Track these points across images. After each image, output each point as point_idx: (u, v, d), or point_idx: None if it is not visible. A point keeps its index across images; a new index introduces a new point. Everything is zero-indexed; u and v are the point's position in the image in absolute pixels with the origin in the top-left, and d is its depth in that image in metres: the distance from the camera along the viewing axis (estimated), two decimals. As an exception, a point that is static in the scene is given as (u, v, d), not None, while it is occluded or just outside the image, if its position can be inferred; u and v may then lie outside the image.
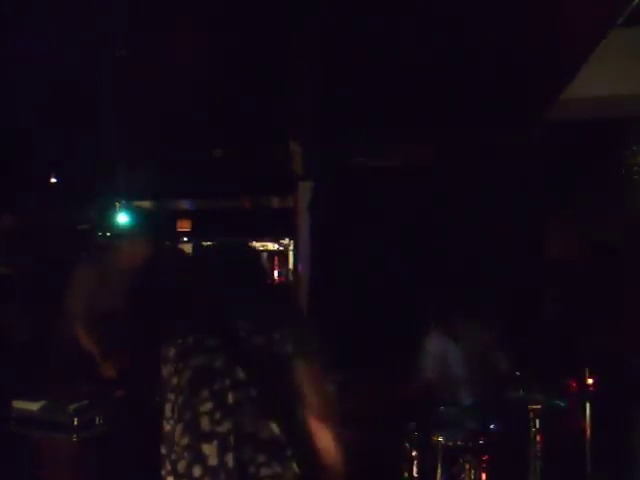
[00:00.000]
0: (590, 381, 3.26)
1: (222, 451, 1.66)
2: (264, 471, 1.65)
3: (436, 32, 3.14)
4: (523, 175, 4.62)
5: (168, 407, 1.83)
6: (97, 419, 3.21)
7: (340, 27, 3.12)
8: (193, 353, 1.81)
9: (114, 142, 5.29)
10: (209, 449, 1.68)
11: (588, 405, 3.24)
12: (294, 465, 1.69)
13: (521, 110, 4.24)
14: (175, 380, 1.82)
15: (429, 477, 3.11)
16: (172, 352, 1.87)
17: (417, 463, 3.14)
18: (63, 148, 5.40)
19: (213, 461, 1.67)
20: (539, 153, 4.62)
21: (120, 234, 4.32)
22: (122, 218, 8.12)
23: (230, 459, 1.65)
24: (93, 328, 3.69)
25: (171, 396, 1.82)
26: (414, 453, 3.15)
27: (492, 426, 3.16)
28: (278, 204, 8.96)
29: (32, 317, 4.68)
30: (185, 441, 1.72)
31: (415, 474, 3.14)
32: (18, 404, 3.21)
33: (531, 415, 3.15)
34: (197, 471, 1.68)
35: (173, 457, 1.75)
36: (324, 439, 1.75)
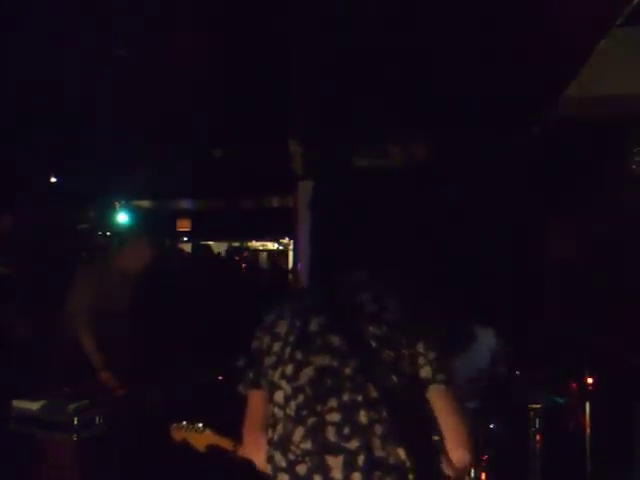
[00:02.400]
0: (590, 381, 3.26)
1: (348, 468, 1.60)
2: None
3: (436, 32, 3.14)
4: (523, 175, 4.62)
5: (279, 394, 1.70)
6: (97, 419, 3.21)
7: (340, 27, 3.12)
8: (315, 347, 1.68)
9: (114, 142, 5.30)
10: (334, 462, 1.61)
11: (588, 405, 3.24)
12: None
13: (521, 110, 4.24)
14: (290, 370, 1.69)
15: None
16: (283, 328, 1.75)
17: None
18: (63, 148, 5.40)
19: (337, 475, 1.61)
20: (539, 153, 4.62)
21: (120, 234, 4.32)
22: (122, 218, 8.14)
23: (357, 478, 1.59)
24: (94, 329, 3.68)
25: (283, 384, 1.70)
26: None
27: (492, 426, 3.16)
28: (278, 204, 8.97)
29: (32, 317, 4.68)
30: (307, 446, 1.64)
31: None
32: (18, 404, 3.21)
33: (531, 415, 3.15)
34: (318, 479, 1.62)
35: (291, 457, 1.66)
36: (461, 461, 1.68)
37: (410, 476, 1.61)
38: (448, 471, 1.68)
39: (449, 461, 1.67)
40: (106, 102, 4.28)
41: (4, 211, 5.34)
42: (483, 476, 3.06)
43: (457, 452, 1.66)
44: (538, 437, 3.14)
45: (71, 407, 3.13)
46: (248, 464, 1.88)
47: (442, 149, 4.87)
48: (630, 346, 3.75)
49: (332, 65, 3.63)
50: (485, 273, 4.47)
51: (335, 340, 1.68)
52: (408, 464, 1.61)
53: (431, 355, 1.65)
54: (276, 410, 1.71)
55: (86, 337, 3.65)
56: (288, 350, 1.71)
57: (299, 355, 1.69)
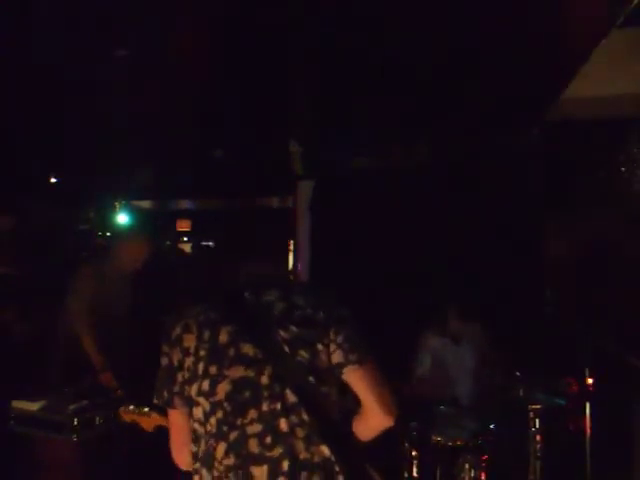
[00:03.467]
0: (590, 381, 3.26)
1: (273, 475, 1.62)
2: None
3: (436, 33, 3.14)
4: (523, 175, 4.62)
5: (198, 410, 1.69)
6: (97, 419, 3.21)
7: (340, 27, 3.12)
8: (229, 360, 1.67)
9: (114, 142, 5.29)
10: (259, 472, 1.63)
11: (588, 405, 3.24)
12: (341, 477, 1.67)
13: (521, 110, 4.24)
14: (206, 385, 1.68)
15: (429, 477, 3.11)
16: (192, 342, 1.71)
17: (417, 463, 3.15)
18: (63, 148, 5.40)
19: None
20: (539, 153, 4.62)
21: (120, 235, 4.31)
22: (122, 218, 8.14)
23: None
24: (94, 330, 3.68)
25: (201, 400, 1.69)
26: (414, 453, 3.15)
27: (492, 426, 3.17)
28: (278, 204, 8.96)
29: (32, 317, 4.67)
30: (230, 461, 1.64)
31: (415, 474, 3.15)
32: (18, 404, 3.21)
33: (531, 415, 3.15)
34: None
35: (215, 474, 1.66)
36: (382, 423, 1.75)
37: (336, 468, 1.65)
38: (368, 435, 1.77)
39: (371, 427, 1.76)
40: (106, 102, 4.28)
41: (4, 211, 5.34)
42: (483, 476, 3.06)
43: (383, 420, 1.73)
44: (538, 438, 3.14)
45: (71, 407, 3.13)
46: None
47: (442, 149, 4.87)
48: (630, 346, 3.74)
49: (332, 65, 3.62)
50: (485, 273, 4.47)
51: (248, 349, 1.67)
52: (333, 458, 1.65)
53: (340, 339, 1.69)
54: (197, 426, 1.71)
55: (85, 338, 3.65)
56: (201, 365, 1.69)
57: (213, 369, 1.67)
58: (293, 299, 1.72)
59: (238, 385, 1.66)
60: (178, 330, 1.75)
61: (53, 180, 6.70)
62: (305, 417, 1.64)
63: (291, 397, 1.65)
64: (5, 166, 5.29)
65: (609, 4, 2.81)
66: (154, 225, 8.75)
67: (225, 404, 1.66)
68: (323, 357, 1.67)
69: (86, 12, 2.96)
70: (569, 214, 4.57)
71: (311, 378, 1.66)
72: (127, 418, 2.26)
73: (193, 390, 1.71)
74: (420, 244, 4.75)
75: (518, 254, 4.57)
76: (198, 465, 1.71)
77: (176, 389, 1.74)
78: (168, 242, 8.76)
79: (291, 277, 5.11)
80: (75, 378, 3.54)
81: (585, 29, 3.04)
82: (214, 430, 1.67)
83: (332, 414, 1.69)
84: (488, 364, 3.70)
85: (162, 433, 2.08)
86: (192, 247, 8.93)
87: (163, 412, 1.99)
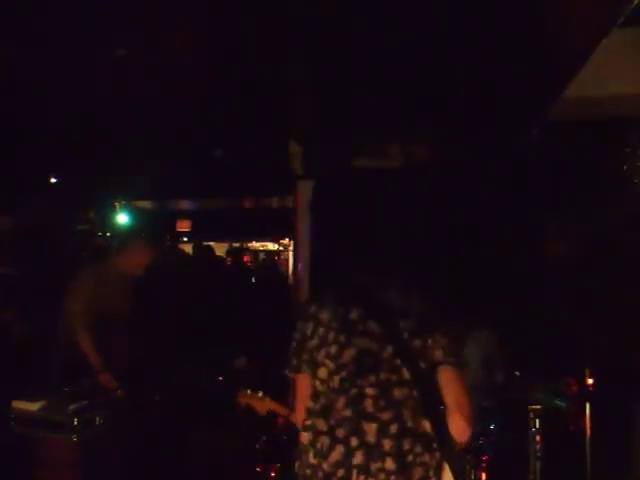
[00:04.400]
0: (590, 381, 3.26)
1: (381, 434, 1.88)
2: (419, 459, 1.90)
3: (436, 32, 3.14)
4: (523, 175, 4.62)
5: (322, 370, 1.99)
6: (97, 419, 3.21)
7: (340, 27, 3.12)
8: (358, 332, 1.97)
9: (114, 142, 5.29)
10: (369, 428, 1.90)
11: (588, 405, 3.24)
12: (438, 454, 1.93)
13: (521, 110, 4.24)
14: (334, 350, 1.97)
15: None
16: (326, 316, 2.02)
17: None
18: (63, 148, 5.40)
19: (371, 438, 1.89)
20: (539, 153, 4.62)
21: (122, 239, 4.31)
22: (122, 218, 8.14)
23: (388, 444, 1.88)
24: (93, 332, 3.68)
25: (327, 362, 1.98)
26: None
27: (492, 426, 3.16)
28: (278, 204, 8.97)
29: (32, 317, 4.68)
30: (347, 413, 1.92)
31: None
32: (18, 404, 3.21)
33: (531, 415, 3.15)
34: (354, 442, 1.89)
35: (332, 422, 1.94)
36: (463, 432, 1.93)
37: (434, 444, 1.92)
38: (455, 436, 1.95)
39: (451, 431, 1.94)
40: (106, 102, 4.28)
41: (4, 211, 5.34)
42: (483, 476, 3.06)
43: (459, 424, 1.92)
44: (538, 438, 3.14)
45: (71, 407, 3.13)
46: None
47: (442, 150, 4.87)
48: (630, 347, 3.75)
49: (332, 65, 3.63)
50: (485, 273, 4.47)
51: (374, 327, 1.97)
52: (433, 435, 1.92)
53: (443, 341, 1.96)
54: (318, 384, 2.02)
55: (84, 339, 3.65)
56: (332, 334, 2.01)
57: (342, 338, 1.99)
58: (411, 300, 2.05)
59: (363, 352, 1.96)
60: (313, 308, 2.10)
61: (53, 180, 6.70)
62: (415, 393, 1.92)
63: (406, 373, 1.93)
64: (5, 166, 5.29)
65: (609, 4, 2.81)
66: (154, 226, 8.76)
67: (350, 366, 1.96)
68: (430, 351, 1.95)
69: (86, 11, 2.96)
70: (569, 214, 4.57)
71: (422, 364, 1.94)
72: (243, 401, 2.49)
73: (321, 354, 2.01)
74: (420, 244, 4.74)
75: (518, 254, 4.57)
76: (312, 420, 2.00)
77: (305, 357, 2.06)
78: (168, 242, 8.77)
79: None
80: (75, 378, 3.54)
81: (585, 29, 3.04)
82: (336, 386, 1.97)
83: (436, 399, 1.94)
84: (492, 365, 3.68)
85: (162, 433, 2.10)
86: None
87: (274, 399, 2.42)
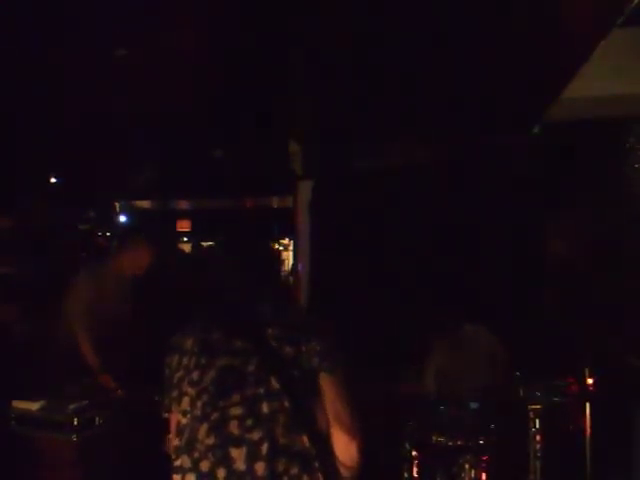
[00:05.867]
0: (590, 381, 3.26)
1: (251, 458, 1.67)
2: None
3: (436, 33, 3.14)
4: (523, 175, 4.62)
5: (185, 400, 1.79)
6: (97, 419, 3.21)
7: (340, 28, 3.12)
8: (219, 351, 1.79)
9: (114, 142, 5.30)
10: (237, 453, 1.68)
11: (588, 405, 3.24)
12: (320, 476, 1.72)
13: (521, 110, 4.24)
14: (196, 375, 1.79)
15: (429, 477, 3.11)
16: (189, 343, 1.84)
17: (417, 463, 3.14)
18: (63, 148, 5.41)
19: (240, 466, 1.67)
20: (539, 153, 4.62)
21: (122, 240, 4.29)
22: (122, 218, 8.15)
23: (261, 468, 1.66)
24: (92, 332, 3.67)
25: (189, 390, 1.79)
26: (414, 453, 3.15)
27: (492, 426, 3.16)
28: (278, 204, 8.98)
29: (32, 317, 4.68)
30: (211, 441, 1.71)
31: (415, 474, 3.15)
32: (18, 404, 3.21)
33: (531, 415, 3.15)
34: (221, 473, 1.68)
35: (195, 455, 1.73)
36: (346, 449, 1.76)
37: (315, 463, 1.71)
38: (341, 455, 1.77)
39: (335, 447, 1.76)
40: (106, 102, 4.28)
41: (4, 211, 5.34)
42: (483, 476, 3.06)
43: (340, 437, 1.75)
44: (538, 437, 3.14)
45: (71, 407, 3.13)
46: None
47: (442, 150, 4.87)
48: (630, 347, 3.75)
49: (332, 65, 3.63)
50: (485, 273, 4.47)
51: (237, 343, 1.79)
52: (313, 451, 1.71)
53: (319, 347, 1.78)
54: (181, 417, 1.80)
55: (83, 341, 3.65)
56: (194, 359, 1.81)
57: (203, 360, 1.80)
58: (282, 308, 1.91)
59: (224, 371, 1.76)
60: (177, 339, 1.90)
61: (53, 180, 6.70)
62: (287, 404, 1.71)
63: (275, 384, 1.73)
64: (5, 166, 5.29)
65: (609, 4, 2.81)
66: (154, 226, 8.76)
67: (210, 388, 1.76)
68: (305, 359, 1.77)
69: (86, 11, 2.97)
70: (569, 214, 4.57)
71: (295, 372, 1.75)
72: None
73: (185, 383, 1.81)
74: (420, 244, 4.75)
75: (518, 254, 4.57)
76: (179, 459, 1.77)
77: (174, 393, 1.84)
78: (167, 243, 8.77)
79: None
80: (75, 378, 3.54)
81: (585, 29, 3.04)
82: (199, 413, 1.75)
83: (315, 411, 1.76)
84: (495, 366, 3.68)
85: (162, 433, 2.09)
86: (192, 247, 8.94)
87: None
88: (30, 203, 6.11)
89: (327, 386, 1.77)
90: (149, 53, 3.49)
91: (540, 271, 4.59)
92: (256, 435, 1.68)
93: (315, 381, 1.77)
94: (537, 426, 3.14)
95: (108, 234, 8.23)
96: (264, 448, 1.67)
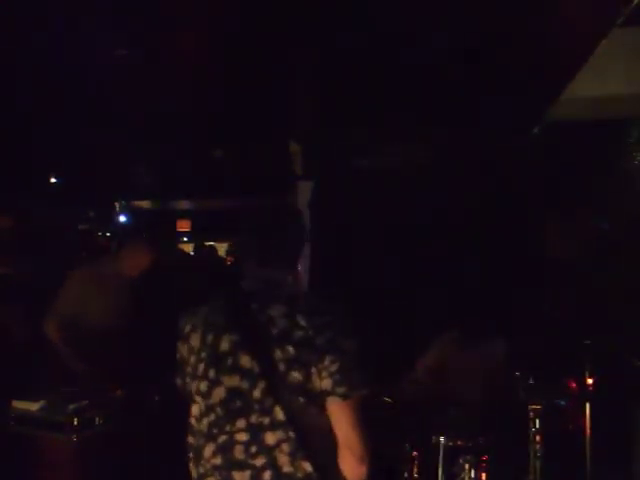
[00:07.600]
0: (590, 381, 3.26)
1: None
2: None
3: (436, 32, 3.14)
4: (523, 175, 4.62)
5: (195, 408, 1.80)
6: (97, 419, 3.21)
7: (340, 27, 3.12)
8: (227, 367, 1.74)
9: (114, 142, 5.29)
10: (241, 477, 1.71)
11: (588, 405, 3.24)
12: None
13: (521, 110, 4.24)
14: (204, 387, 1.77)
15: (429, 477, 3.11)
16: (196, 343, 1.80)
17: (417, 463, 3.14)
18: (63, 148, 5.41)
19: None
20: (539, 153, 4.62)
21: (122, 241, 4.28)
22: (122, 218, 8.15)
23: None
24: (74, 339, 3.66)
25: (198, 398, 1.79)
26: (414, 453, 3.15)
27: (492, 426, 3.16)
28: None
29: (32, 317, 4.67)
30: (217, 461, 1.74)
31: (415, 474, 3.14)
32: (18, 404, 3.21)
33: (531, 415, 3.15)
34: None
35: (201, 470, 1.77)
36: (354, 473, 1.73)
37: None
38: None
39: (342, 470, 1.72)
40: (106, 102, 4.28)
41: (4, 211, 5.34)
42: (483, 476, 3.06)
43: (349, 462, 1.71)
44: (538, 438, 3.13)
45: (71, 407, 3.13)
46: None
47: (442, 150, 4.87)
48: (630, 347, 3.75)
49: (332, 65, 3.63)
50: (485, 273, 4.47)
51: (245, 361, 1.73)
52: (316, 477, 1.70)
53: (334, 368, 1.68)
54: (193, 422, 1.82)
55: (61, 349, 3.64)
56: (202, 367, 1.79)
57: (212, 373, 1.77)
58: (297, 319, 1.74)
59: (232, 393, 1.74)
60: (187, 328, 1.86)
61: (53, 180, 6.70)
62: (292, 434, 1.69)
63: (280, 414, 1.70)
64: (5, 166, 5.29)
65: (609, 4, 2.82)
66: (154, 226, 8.76)
67: (218, 409, 1.75)
68: (315, 381, 1.70)
69: (86, 10, 2.97)
70: (569, 214, 4.57)
71: (302, 398, 1.69)
72: None
73: (193, 387, 1.81)
74: (420, 244, 4.75)
75: (518, 254, 4.57)
76: (191, 455, 1.82)
77: (187, 379, 1.85)
78: (167, 243, 8.77)
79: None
80: (75, 378, 3.54)
81: (585, 29, 3.04)
82: (205, 430, 1.77)
83: (320, 434, 1.72)
84: (495, 366, 3.67)
85: (162, 433, 2.09)
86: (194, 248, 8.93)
87: None
88: (30, 203, 6.11)
89: (337, 412, 1.71)
90: (149, 53, 3.49)
91: (540, 271, 4.59)
92: (259, 462, 1.69)
93: (323, 405, 1.70)
94: (537, 426, 3.14)
95: (108, 234, 8.24)
96: (267, 475, 1.69)
